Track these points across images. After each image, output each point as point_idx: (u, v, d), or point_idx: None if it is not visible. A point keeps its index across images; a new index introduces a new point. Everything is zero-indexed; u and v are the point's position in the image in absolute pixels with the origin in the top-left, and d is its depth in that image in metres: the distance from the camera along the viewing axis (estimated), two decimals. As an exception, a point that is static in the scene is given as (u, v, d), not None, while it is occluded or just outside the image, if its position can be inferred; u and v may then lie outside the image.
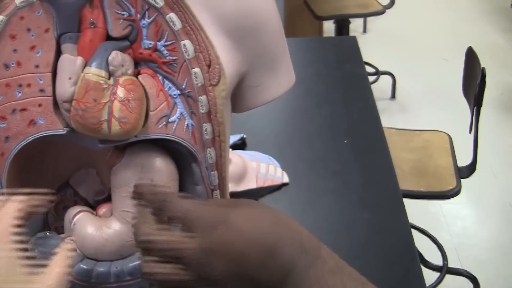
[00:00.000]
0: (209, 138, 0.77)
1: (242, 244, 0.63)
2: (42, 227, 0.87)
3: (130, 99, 0.71)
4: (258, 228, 0.64)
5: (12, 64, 0.73)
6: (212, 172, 0.80)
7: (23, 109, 0.74)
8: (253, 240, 0.63)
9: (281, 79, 0.86)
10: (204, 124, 0.76)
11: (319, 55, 2.18)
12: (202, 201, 0.67)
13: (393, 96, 4.08)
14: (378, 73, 4.06)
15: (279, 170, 1.49)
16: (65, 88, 0.72)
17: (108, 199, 0.86)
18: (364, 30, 5.25)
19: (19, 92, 0.73)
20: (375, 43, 4.88)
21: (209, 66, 0.75)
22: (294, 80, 0.88)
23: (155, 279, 0.64)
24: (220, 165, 0.80)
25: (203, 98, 0.75)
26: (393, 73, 4.09)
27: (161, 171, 0.74)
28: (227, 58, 0.77)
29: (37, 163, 0.85)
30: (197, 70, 0.74)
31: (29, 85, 0.73)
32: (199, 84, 0.75)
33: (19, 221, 0.64)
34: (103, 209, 0.82)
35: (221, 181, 0.81)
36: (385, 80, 4.07)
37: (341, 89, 1.93)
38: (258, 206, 0.69)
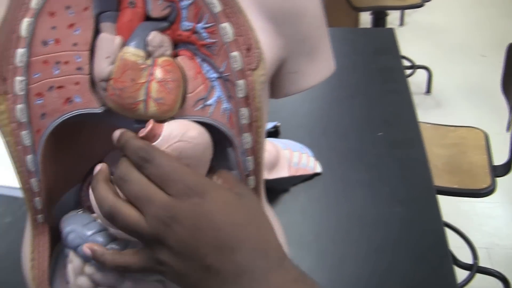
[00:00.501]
0: (246, 123, 0.77)
1: (208, 223, 0.63)
2: (74, 206, 0.87)
3: (168, 80, 0.71)
4: (230, 217, 0.64)
5: (51, 41, 0.73)
6: (248, 157, 0.79)
7: (60, 87, 0.73)
8: (219, 226, 0.63)
9: (320, 67, 0.85)
10: (241, 108, 0.76)
11: (356, 46, 2.17)
12: (190, 168, 0.66)
13: (428, 91, 4.05)
14: (413, 67, 4.04)
15: (312, 159, 1.48)
16: (102, 67, 0.71)
17: (141, 180, 0.85)
18: (401, 23, 5.22)
19: (57, 70, 0.73)
20: (411, 36, 4.85)
21: (248, 50, 0.74)
22: (333, 68, 0.87)
23: (114, 214, 0.65)
24: (256, 150, 0.79)
25: (241, 82, 0.74)
26: (429, 67, 4.06)
27: (197, 139, 0.73)
28: (267, 42, 0.76)
29: (72, 142, 0.84)
30: (236, 53, 0.73)
31: (66, 62, 0.73)
32: (238, 68, 0.74)
33: None
34: (135, 190, 0.81)
35: (256, 167, 0.81)
36: (421, 74, 4.05)
37: (377, 81, 1.92)
38: (247, 199, 0.69)
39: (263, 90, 0.76)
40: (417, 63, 4.04)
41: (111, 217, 0.67)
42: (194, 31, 0.74)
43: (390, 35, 2.27)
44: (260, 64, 0.74)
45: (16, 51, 0.72)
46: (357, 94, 1.84)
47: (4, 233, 1.40)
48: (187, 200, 0.63)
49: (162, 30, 0.74)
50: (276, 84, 0.83)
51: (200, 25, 0.74)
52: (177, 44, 0.76)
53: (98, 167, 0.76)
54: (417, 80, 3.98)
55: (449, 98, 3.91)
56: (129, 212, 0.66)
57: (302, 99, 1.77)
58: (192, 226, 0.62)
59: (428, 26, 5.04)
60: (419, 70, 4.02)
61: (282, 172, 1.41)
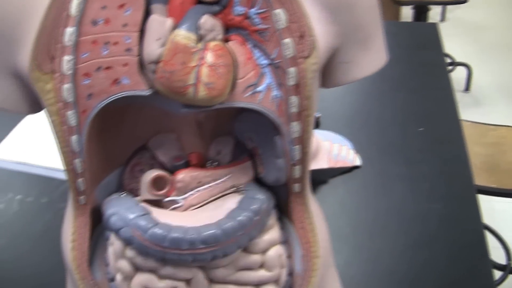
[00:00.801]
0: (295, 111, 0.75)
1: None
2: (117, 189, 0.86)
3: (218, 64, 0.69)
4: None
5: (100, 21, 0.72)
6: (295, 146, 0.78)
7: (108, 67, 0.72)
8: None
9: (373, 57, 0.83)
10: (291, 96, 0.74)
11: (398, 39, 2.15)
12: None
13: (466, 88, 4.01)
14: (453, 63, 3.99)
15: (352, 152, 1.47)
16: (152, 49, 0.70)
17: (186, 165, 0.84)
18: (442, 19, 5.16)
19: (105, 50, 0.72)
20: (452, 32, 4.80)
21: (301, 37, 0.72)
22: (385, 60, 0.85)
23: None
24: (304, 140, 0.78)
25: (292, 70, 0.73)
26: (468, 64, 4.01)
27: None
28: (321, 30, 0.74)
29: (117, 124, 0.83)
30: (288, 40, 0.72)
31: (116, 43, 0.72)
32: (290, 55, 0.72)
33: None
34: (181, 175, 0.80)
35: (303, 157, 0.79)
36: (460, 71, 4.00)
37: (419, 76, 1.90)
38: None
39: (314, 78, 0.74)
40: (457, 60, 4.00)
41: None
42: (246, 16, 0.73)
43: (434, 30, 2.25)
44: (313, 52, 0.72)
45: (65, 30, 0.71)
46: (398, 88, 1.82)
47: (41, 213, 1.40)
48: None
49: (214, 14, 0.73)
50: (327, 73, 0.81)
51: (253, 10, 0.72)
52: (229, 29, 0.74)
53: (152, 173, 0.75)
54: (456, 77, 3.94)
55: (488, 97, 3.87)
56: None
57: (343, 91, 1.76)
58: None
59: (469, 23, 4.98)
60: (458, 67, 3.98)
61: (322, 163, 1.40)
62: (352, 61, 0.81)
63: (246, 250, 0.80)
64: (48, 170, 1.49)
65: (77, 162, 0.76)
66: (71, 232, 0.81)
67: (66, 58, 0.71)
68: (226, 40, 0.74)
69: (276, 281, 0.83)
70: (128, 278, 0.79)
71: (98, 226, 0.85)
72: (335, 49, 0.78)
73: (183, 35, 0.69)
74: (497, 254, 2.59)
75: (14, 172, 1.52)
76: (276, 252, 0.82)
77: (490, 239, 2.68)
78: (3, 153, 1.57)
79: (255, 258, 0.80)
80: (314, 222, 0.84)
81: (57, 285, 0.89)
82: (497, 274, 2.53)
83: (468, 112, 3.54)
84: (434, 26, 2.28)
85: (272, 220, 0.82)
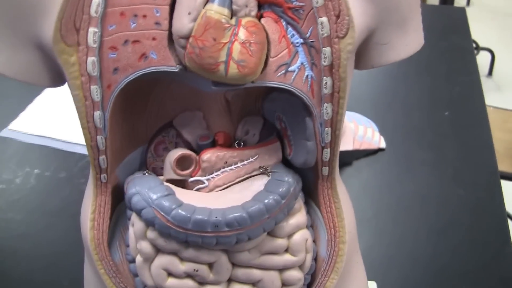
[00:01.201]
0: (328, 93, 0.72)
1: None
2: (139, 167, 0.84)
3: (251, 42, 0.67)
4: None
5: (129, -8, 0.69)
6: (326, 129, 0.75)
7: (136, 41, 0.69)
8: None
9: (409, 39, 0.80)
10: (324, 77, 0.71)
11: (425, 22, 2.10)
12: None
13: (490, 73, 3.97)
14: (477, 48, 3.95)
15: (377, 134, 1.45)
16: (183, 23, 0.67)
17: (212, 144, 0.82)
18: (468, 3, 5.12)
19: (134, 23, 0.69)
20: (477, 17, 4.75)
21: (337, 16, 0.69)
22: (422, 42, 0.82)
23: None
24: (335, 122, 0.75)
25: (327, 49, 0.70)
26: (492, 50, 3.97)
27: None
28: (358, 10, 0.71)
29: (142, 100, 0.81)
30: (324, 19, 0.69)
31: (144, 16, 0.69)
32: (325, 34, 0.69)
33: None
34: (206, 155, 0.78)
35: (333, 139, 0.76)
36: (483, 56, 3.96)
37: (444, 60, 1.87)
38: None
39: (349, 59, 0.71)
40: (481, 45, 3.96)
41: None
42: (281, -7, 0.70)
43: (461, 14, 2.22)
44: (349, 32, 0.70)
45: (92, 0, 0.69)
46: (423, 72, 1.80)
47: (58, 188, 1.38)
48: None
49: (248, -11, 0.70)
50: (363, 55, 0.79)
51: (288, -14, 0.70)
52: (262, 5, 0.71)
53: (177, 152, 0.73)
54: (479, 62, 3.90)
55: (511, 82, 3.84)
56: None
57: (368, 73, 1.74)
58: None
59: (495, 8, 4.93)
60: (482, 52, 3.94)
61: (347, 145, 1.38)
62: (388, 43, 0.78)
63: (271, 233, 0.77)
64: (67, 144, 1.47)
65: (100, 138, 0.74)
66: (91, 211, 0.79)
67: (92, 30, 0.69)
68: (259, 16, 0.71)
69: (301, 266, 0.81)
70: (148, 260, 0.77)
71: (119, 205, 0.83)
72: (371, 30, 0.75)
73: (216, 9, 0.67)
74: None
75: (32, 145, 1.51)
76: (302, 236, 0.79)
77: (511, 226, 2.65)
78: (22, 126, 1.55)
79: (280, 242, 0.78)
80: (341, 206, 0.82)
81: (74, 262, 0.87)
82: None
83: (491, 97, 3.49)
84: (462, 11, 2.25)
85: (299, 203, 0.80)
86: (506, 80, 3.84)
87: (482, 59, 3.90)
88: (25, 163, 1.45)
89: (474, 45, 3.98)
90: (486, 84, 3.73)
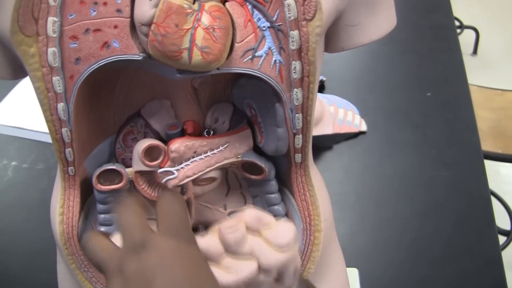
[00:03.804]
0: (298, 77, 0.70)
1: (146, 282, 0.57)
2: (108, 158, 0.82)
3: (215, 27, 0.64)
4: (171, 276, 0.57)
5: (89, -21, 0.67)
6: (297, 114, 0.73)
7: (97, 30, 0.67)
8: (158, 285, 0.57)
9: (380, 20, 0.78)
10: (293, 62, 0.69)
11: (407, 1, 2.09)
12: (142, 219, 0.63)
13: (474, 52, 3.95)
14: (462, 26, 3.93)
15: (358, 117, 1.43)
16: (144, 10, 0.65)
17: (181, 134, 0.80)
18: (450, -19, 5.08)
19: (94, 11, 0.67)
20: (461, -5, 4.73)
21: (305, -2, 0.67)
22: (395, 23, 0.80)
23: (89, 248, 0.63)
24: (306, 107, 0.73)
25: (295, 33, 0.68)
26: (476, 28, 3.96)
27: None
28: (325, -9, 0.69)
29: (108, 90, 0.79)
30: (291, 1, 0.67)
31: (105, 3, 0.67)
32: (292, 17, 0.67)
33: None
34: (175, 145, 0.75)
35: (305, 125, 0.75)
36: (468, 34, 3.95)
37: (427, 39, 1.86)
38: (192, 248, 0.63)
39: (318, 43, 0.69)
40: (465, 23, 3.94)
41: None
42: (245, -25, 0.68)
43: (443, -8, 2.20)
44: (317, 15, 0.68)
45: (51, -12, 0.66)
46: (406, 51, 1.78)
47: (36, 180, 1.36)
48: (131, 255, 0.58)
49: (210, -27, 0.68)
50: (333, 37, 0.77)
51: (252, -32, 0.68)
52: (226, -11, 0.69)
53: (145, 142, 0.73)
54: (463, 41, 3.88)
55: (496, 61, 3.82)
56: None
57: (349, 54, 1.71)
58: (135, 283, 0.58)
59: (477, -15, 4.92)
60: (466, 30, 3.93)
61: (327, 128, 1.36)
62: (358, 25, 0.76)
63: None
64: (44, 135, 1.45)
65: (65, 131, 0.72)
66: (59, 205, 0.77)
67: (51, 19, 0.66)
68: (224, 1, 0.69)
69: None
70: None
71: (89, 198, 0.82)
72: (340, 11, 0.73)
73: (177, -5, 0.64)
74: (500, 219, 2.56)
75: (9, 137, 1.49)
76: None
77: (495, 204, 2.65)
78: (-2, 118, 1.53)
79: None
80: (315, 194, 0.80)
81: (53, 256, 0.85)
82: (501, 239, 2.51)
83: (475, 76, 3.46)
84: (443, -12, 2.23)
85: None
86: (491, 59, 3.82)
87: (467, 37, 3.88)
88: (2, 156, 1.43)
89: (458, 23, 3.97)
90: (471, 63, 3.72)
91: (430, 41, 1.84)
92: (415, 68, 1.71)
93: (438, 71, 1.69)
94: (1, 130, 1.50)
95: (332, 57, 1.63)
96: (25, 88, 1.62)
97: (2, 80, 0.73)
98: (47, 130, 1.35)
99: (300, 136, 0.76)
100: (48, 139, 1.40)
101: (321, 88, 1.57)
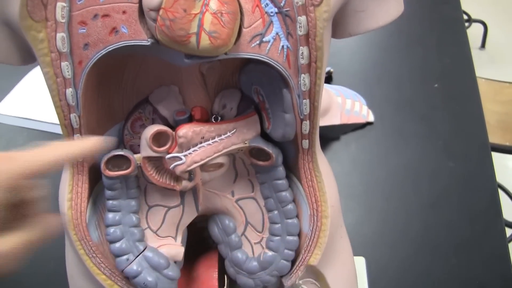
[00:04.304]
0: (305, 63, 0.71)
1: None
2: (117, 145, 0.82)
3: (223, 12, 0.65)
4: None
5: (97, -36, 0.67)
6: (304, 100, 0.73)
7: (106, 15, 0.67)
8: None
9: (388, 6, 0.78)
10: (300, 47, 0.70)
11: (414, -6, 2.09)
12: None
13: (482, 45, 3.95)
14: (470, 20, 3.92)
15: (365, 108, 1.43)
16: (152, -6, 0.65)
17: (189, 120, 0.80)
18: (458, -26, 5.07)
19: (103, -4, 0.67)
20: (469, -12, 4.72)
21: (312, -17, 0.68)
22: (402, 9, 0.80)
23: None
24: (313, 93, 0.73)
25: (302, 18, 0.68)
26: (485, 21, 3.95)
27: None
28: (333, -24, 0.70)
29: (116, 76, 0.79)
30: (298, -14, 0.67)
31: (114, -11, 0.67)
32: (300, 3, 0.68)
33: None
34: (183, 130, 0.76)
35: (312, 111, 0.75)
36: (476, 28, 3.94)
37: (435, 31, 1.85)
38: None
39: (325, 28, 0.70)
40: (473, 16, 3.93)
41: None
42: (253, -40, 0.68)
43: (451, -16, 2.19)
44: (324, 0, 0.68)
45: (59, -26, 0.67)
46: (414, 43, 1.78)
47: (45, 170, 1.36)
48: None
49: (219, -42, 0.68)
50: (340, 23, 0.77)
51: (260, -47, 0.68)
52: (234, -26, 0.69)
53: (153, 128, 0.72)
54: (472, 34, 3.87)
55: (504, 54, 3.81)
56: None
57: (357, 45, 1.72)
58: None
59: (486, -22, 4.91)
60: (474, 24, 3.92)
61: (334, 119, 1.36)
62: (366, 10, 0.76)
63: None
64: (52, 126, 1.45)
65: (73, 116, 0.72)
66: (68, 190, 0.77)
67: (60, 4, 0.67)
68: (231, -15, 0.69)
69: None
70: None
71: (97, 185, 0.82)
72: (348, -4, 0.73)
73: (185, -21, 0.65)
74: (507, 212, 2.55)
75: (17, 128, 1.49)
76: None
77: (502, 197, 2.64)
78: (7, 109, 1.54)
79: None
80: (323, 180, 0.80)
81: (60, 244, 0.86)
82: (508, 232, 2.50)
83: (483, 69, 3.46)
84: (451, -19, 2.23)
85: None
86: (499, 52, 3.82)
87: (475, 31, 3.88)
88: (10, 146, 1.43)
89: (466, 17, 3.96)
90: (479, 57, 3.71)
91: (438, 34, 1.84)
92: (422, 60, 1.71)
93: (446, 64, 1.69)
94: (9, 121, 1.51)
95: (340, 49, 1.64)
96: (33, 80, 1.62)
97: (10, 72, 0.74)
98: (54, 121, 1.36)
99: (308, 122, 0.76)
100: (55, 129, 1.41)
101: (329, 80, 1.57)
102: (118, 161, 0.77)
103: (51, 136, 1.43)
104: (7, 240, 0.60)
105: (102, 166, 0.77)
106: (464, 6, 3.92)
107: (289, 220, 0.81)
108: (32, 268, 1.13)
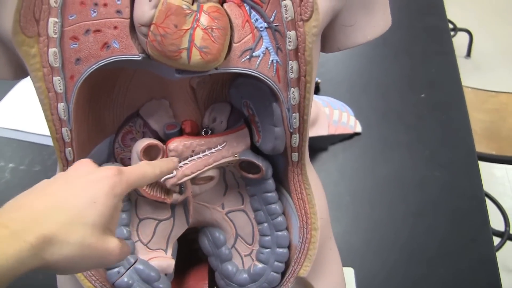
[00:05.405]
0: (294, 77, 0.71)
1: None
2: (107, 158, 0.83)
3: (213, 27, 0.65)
4: None
5: (89, -19, 0.68)
6: (294, 114, 0.74)
7: (97, 30, 0.68)
8: None
9: (376, 21, 0.79)
10: (290, 61, 0.70)
11: (401, 3, 2.10)
12: None
13: (468, 54, 3.97)
14: (455, 29, 3.94)
15: (352, 118, 1.44)
16: (144, 10, 0.66)
17: (180, 133, 0.81)
18: (443, -17, 5.09)
19: (94, 12, 0.68)
20: (455, -2, 4.74)
21: (301, -1, 0.68)
22: (390, 23, 0.81)
23: None
24: (303, 107, 0.74)
25: (291, 33, 0.69)
26: (470, 30, 3.97)
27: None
28: (321, -9, 0.70)
29: (107, 90, 0.80)
30: (288, 2, 0.68)
31: (105, 4, 0.68)
32: (289, 18, 0.68)
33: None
34: (173, 144, 0.76)
35: (301, 124, 0.76)
36: (461, 37, 3.96)
37: (421, 41, 1.86)
38: None
39: (314, 43, 0.70)
40: (458, 25, 3.95)
41: None
42: (243, -24, 0.69)
43: (436, -6, 2.21)
44: (313, 15, 0.69)
45: (51, -10, 0.67)
46: (400, 53, 1.79)
47: (34, 182, 1.35)
48: None
49: (209, -26, 0.69)
50: (329, 37, 0.78)
51: (250, -31, 0.69)
52: (225, -10, 0.70)
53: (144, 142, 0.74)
54: (457, 43, 3.89)
55: (490, 63, 3.82)
56: None
57: (343, 56, 1.72)
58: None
59: (470, -13, 4.93)
60: (459, 33, 3.94)
61: (322, 130, 1.37)
62: (354, 25, 0.77)
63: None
64: (41, 137, 1.45)
65: (65, 130, 0.73)
66: (60, 203, 0.78)
67: (52, 20, 0.67)
68: (222, 1, 0.70)
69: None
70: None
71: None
72: (336, 11, 0.74)
73: (176, -4, 0.65)
74: (494, 220, 2.57)
75: (6, 139, 1.49)
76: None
77: (489, 205, 2.65)
78: (-5, 120, 1.54)
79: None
80: (312, 193, 0.81)
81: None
82: (495, 240, 2.51)
83: (469, 78, 3.47)
84: (437, -10, 2.24)
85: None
86: (484, 61, 3.83)
87: (460, 40, 3.89)
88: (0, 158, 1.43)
89: (451, 26, 3.98)
90: (465, 65, 3.73)
91: (423, 43, 1.85)
92: (409, 70, 1.72)
93: (432, 73, 1.70)
94: (-2, 132, 1.51)
95: (327, 59, 1.65)
96: (22, 91, 1.62)
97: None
98: (44, 132, 1.36)
99: (297, 135, 0.77)
100: (45, 141, 1.41)
101: (316, 90, 1.57)
102: (109, 175, 0.78)
103: (40, 148, 1.43)
104: None
105: (94, 179, 0.77)
106: (449, 15, 3.94)
107: (279, 233, 0.82)
108: (21, 280, 1.13)
